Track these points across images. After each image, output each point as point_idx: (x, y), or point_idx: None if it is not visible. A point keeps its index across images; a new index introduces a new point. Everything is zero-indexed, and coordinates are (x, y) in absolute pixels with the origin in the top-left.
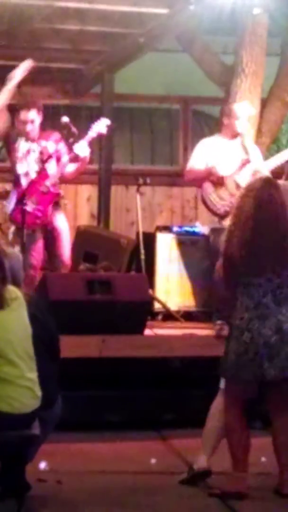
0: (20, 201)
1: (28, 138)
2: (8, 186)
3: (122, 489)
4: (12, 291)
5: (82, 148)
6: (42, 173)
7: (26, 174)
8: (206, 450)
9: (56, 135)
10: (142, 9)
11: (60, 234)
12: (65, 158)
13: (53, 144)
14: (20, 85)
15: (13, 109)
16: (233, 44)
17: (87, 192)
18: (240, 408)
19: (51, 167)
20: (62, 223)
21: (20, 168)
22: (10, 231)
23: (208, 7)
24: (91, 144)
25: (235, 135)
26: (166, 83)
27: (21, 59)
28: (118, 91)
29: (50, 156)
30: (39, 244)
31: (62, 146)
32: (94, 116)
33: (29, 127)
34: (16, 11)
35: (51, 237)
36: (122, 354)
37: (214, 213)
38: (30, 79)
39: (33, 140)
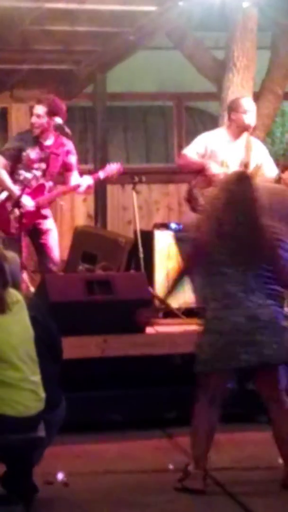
0: (16, 206)
1: (36, 135)
2: None
3: (129, 488)
4: (13, 294)
5: (87, 181)
6: (39, 188)
7: (21, 182)
8: None
9: (69, 145)
10: (132, 8)
11: (48, 235)
12: (73, 170)
13: (61, 158)
14: (12, 88)
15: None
16: (224, 39)
17: None
18: (210, 403)
19: (49, 185)
20: (49, 223)
21: (20, 175)
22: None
23: (198, 3)
24: (95, 181)
25: (242, 130)
26: (159, 80)
27: (13, 62)
28: (111, 90)
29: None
30: (23, 245)
31: (72, 158)
32: (87, 116)
33: (33, 119)
34: (6, 13)
35: (39, 238)
36: (124, 353)
37: (193, 208)
38: (22, 82)
39: (41, 138)
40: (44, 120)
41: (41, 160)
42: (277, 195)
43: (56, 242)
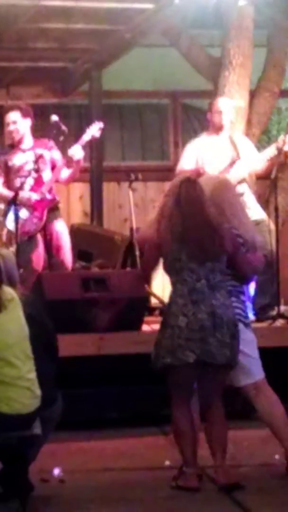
0: (13, 203)
1: (14, 143)
2: None
3: (125, 485)
4: (8, 292)
5: (77, 151)
6: (38, 181)
7: (21, 187)
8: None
9: (50, 142)
10: (128, 5)
11: (59, 239)
12: (59, 164)
13: (47, 152)
14: (8, 85)
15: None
16: (219, 36)
17: (79, 190)
18: (185, 399)
19: (46, 174)
20: (61, 228)
21: (17, 182)
22: (4, 233)
23: (193, 1)
24: (84, 147)
25: (219, 129)
26: (155, 78)
27: (8, 59)
28: (107, 88)
29: (41, 156)
30: (39, 249)
31: (56, 154)
32: (83, 114)
33: (11, 127)
34: (1, 11)
35: (50, 242)
36: (120, 351)
37: None
38: (18, 79)
39: (19, 144)
40: (21, 124)
41: (28, 162)
42: (219, 187)
43: (67, 244)
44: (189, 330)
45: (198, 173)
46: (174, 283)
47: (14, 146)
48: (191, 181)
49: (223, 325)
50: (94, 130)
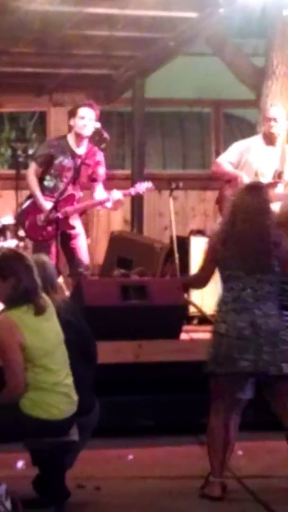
0: (54, 209)
1: (83, 136)
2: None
3: (160, 494)
4: (45, 299)
5: (117, 196)
6: (69, 198)
7: (51, 190)
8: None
9: (101, 156)
10: (172, 13)
11: (77, 240)
12: (100, 188)
13: (91, 168)
14: (51, 92)
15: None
16: (263, 46)
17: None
18: (222, 407)
19: (78, 191)
20: (78, 228)
21: (48, 182)
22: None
23: (238, 10)
24: (125, 196)
25: (269, 137)
26: (197, 86)
27: (52, 66)
28: (149, 95)
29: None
30: (52, 251)
31: (101, 170)
32: (125, 121)
33: (86, 121)
34: (46, 18)
35: (68, 243)
36: (158, 359)
37: (222, 211)
38: (61, 86)
39: (74, 145)
40: (94, 125)
41: (72, 169)
42: None
43: (85, 246)
44: (228, 339)
45: (235, 180)
46: (223, 290)
47: (70, 146)
48: (256, 188)
49: (265, 335)
50: (142, 188)
